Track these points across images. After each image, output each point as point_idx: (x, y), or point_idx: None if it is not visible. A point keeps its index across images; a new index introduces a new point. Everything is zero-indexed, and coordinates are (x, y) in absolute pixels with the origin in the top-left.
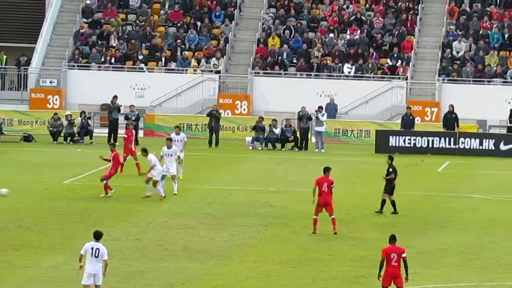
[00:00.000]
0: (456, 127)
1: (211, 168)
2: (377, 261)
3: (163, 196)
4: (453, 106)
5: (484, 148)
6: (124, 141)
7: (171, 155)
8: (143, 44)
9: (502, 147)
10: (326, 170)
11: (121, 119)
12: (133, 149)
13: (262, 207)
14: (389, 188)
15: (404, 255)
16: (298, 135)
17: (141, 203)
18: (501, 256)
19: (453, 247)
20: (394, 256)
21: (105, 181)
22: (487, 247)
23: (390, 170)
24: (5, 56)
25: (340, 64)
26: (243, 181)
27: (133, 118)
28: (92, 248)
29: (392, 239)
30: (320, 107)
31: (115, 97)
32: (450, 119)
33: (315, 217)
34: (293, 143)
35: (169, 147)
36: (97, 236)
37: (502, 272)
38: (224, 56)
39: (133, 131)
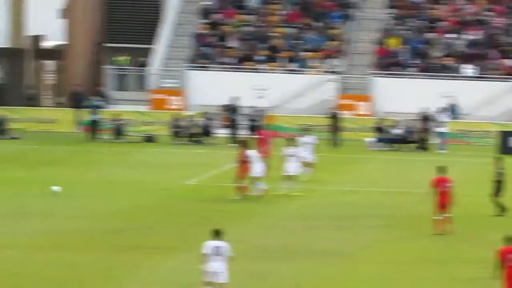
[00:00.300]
0: None
1: (332, 169)
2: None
3: (262, 191)
4: None
5: None
6: (259, 142)
7: (292, 155)
8: (262, 45)
9: None
10: (442, 170)
11: (241, 120)
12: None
13: (385, 208)
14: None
15: None
16: (419, 136)
17: (263, 204)
18: None
19: None
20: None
21: (240, 183)
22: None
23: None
24: (127, 58)
25: (460, 65)
26: (365, 182)
27: (258, 120)
28: (215, 247)
29: (509, 240)
30: (442, 108)
31: (236, 97)
32: None
33: (436, 217)
34: (415, 144)
35: (290, 146)
36: (218, 234)
37: None
38: (344, 57)
39: (267, 132)
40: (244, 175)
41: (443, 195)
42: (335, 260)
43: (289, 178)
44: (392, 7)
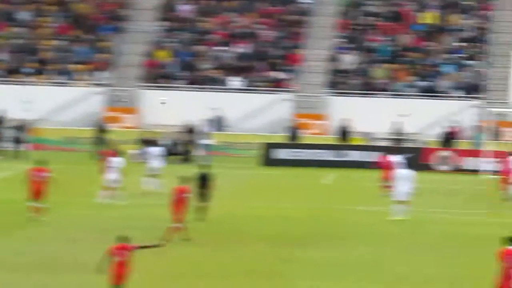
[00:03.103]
0: (348, 139)
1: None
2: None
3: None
4: (347, 120)
5: (372, 160)
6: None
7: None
8: (31, 57)
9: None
10: (184, 180)
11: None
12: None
13: (147, 220)
14: None
15: None
16: (184, 147)
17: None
18: (383, 268)
19: (336, 259)
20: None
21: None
22: (370, 259)
23: None
24: None
25: (227, 77)
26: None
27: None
28: None
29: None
30: (207, 120)
31: (3, 110)
32: (345, 132)
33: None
34: (180, 156)
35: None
36: None
37: (384, 282)
38: (113, 69)
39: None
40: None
41: (179, 204)
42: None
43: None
44: (163, 19)
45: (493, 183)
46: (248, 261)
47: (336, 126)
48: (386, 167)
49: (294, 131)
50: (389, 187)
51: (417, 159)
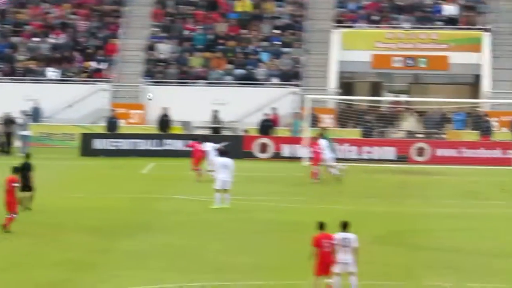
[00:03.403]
0: (168, 129)
1: None
2: (82, 264)
3: None
4: (167, 109)
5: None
6: None
7: None
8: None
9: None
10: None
11: None
12: None
13: None
14: None
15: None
16: (2, 139)
17: None
18: (205, 257)
19: (157, 249)
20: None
21: None
22: (191, 248)
23: None
24: None
25: (44, 68)
26: None
27: None
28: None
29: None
30: (24, 111)
31: None
32: (165, 122)
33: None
34: None
35: None
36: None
37: (207, 272)
38: None
39: None
40: None
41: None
42: None
43: None
44: None
45: (308, 169)
46: (64, 251)
47: (155, 116)
48: (197, 153)
49: (112, 121)
50: (199, 172)
51: (237, 147)
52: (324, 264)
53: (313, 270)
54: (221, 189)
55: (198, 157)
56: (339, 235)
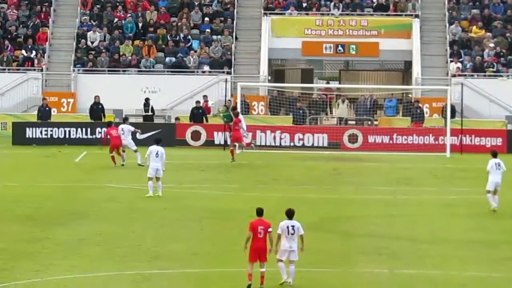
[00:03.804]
0: (103, 117)
1: None
2: (17, 253)
3: None
4: (99, 97)
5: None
6: None
7: None
8: None
9: (139, 136)
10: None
11: None
12: None
13: None
14: None
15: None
16: None
17: None
18: (140, 245)
19: (92, 237)
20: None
21: None
22: (126, 236)
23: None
24: None
25: None
26: None
27: None
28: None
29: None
30: None
31: None
32: (97, 110)
33: None
34: None
35: None
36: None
37: (142, 260)
38: None
39: None
40: None
41: None
42: None
43: None
44: None
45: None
46: None
47: (87, 104)
48: (113, 140)
49: (44, 110)
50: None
51: (170, 135)
52: (258, 250)
53: (248, 256)
54: (153, 177)
55: (114, 144)
56: (284, 223)
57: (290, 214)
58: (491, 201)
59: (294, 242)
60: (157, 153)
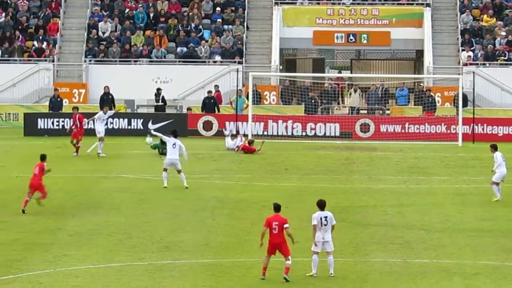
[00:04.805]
0: (113, 107)
1: None
2: (29, 244)
3: None
4: (108, 88)
5: (133, 128)
6: None
7: None
8: None
9: (151, 126)
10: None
11: None
12: None
13: None
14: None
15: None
16: None
17: None
18: (152, 235)
19: (104, 228)
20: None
21: None
22: (139, 226)
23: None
24: None
25: None
26: None
27: None
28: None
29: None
30: None
31: None
32: (107, 100)
33: None
34: None
35: None
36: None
37: (154, 251)
38: None
39: None
40: None
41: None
42: None
43: None
44: None
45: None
46: (12, 232)
47: (98, 95)
48: (79, 127)
49: (56, 101)
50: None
51: (181, 125)
52: (275, 245)
53: (266, 249)
54: (168, 168)
55: (80, 132)
56: (318, 214)
57: (322, 205)
58: (497, 193)
59: (327, 233)
60: (174, 145)
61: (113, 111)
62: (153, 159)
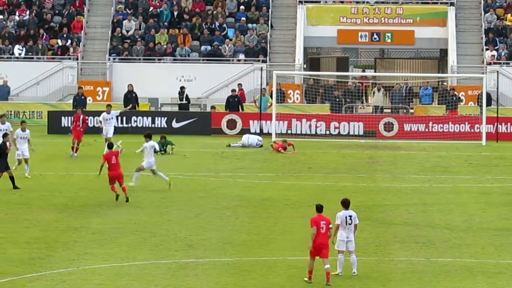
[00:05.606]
0: (137, 106)
1: None
2: (52, 242)
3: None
4: (132, 86)
5: (156, 126)
6: None
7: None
8: None
9: (175, 124)
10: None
11: None
12: None
13: None
14: None
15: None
16: None
17: None
18: (175, 234)
19: (127, 226)
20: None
21: None
22: (162, 225)
23: None
24: None
25: (10, 46)
26: None
27: None
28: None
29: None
30: None
31: None
32: (131, 99)
33: None
34: None
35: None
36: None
37: (177, 249)
38: None
39: None
40: None
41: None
42: None
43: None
44: None
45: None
46: (35, 230)
47: (121, 93)
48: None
49: (80, 99)
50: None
51: (205, 123)
52: (319, 246)
53: (309, 251)
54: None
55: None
56: (342, 213)
57: (346, 204)
58: None
59: (351, 232)
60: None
61: (118, 111)
62: (176, 157)
